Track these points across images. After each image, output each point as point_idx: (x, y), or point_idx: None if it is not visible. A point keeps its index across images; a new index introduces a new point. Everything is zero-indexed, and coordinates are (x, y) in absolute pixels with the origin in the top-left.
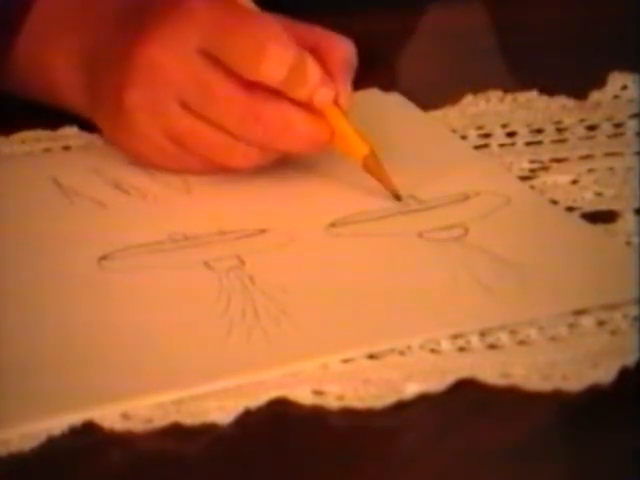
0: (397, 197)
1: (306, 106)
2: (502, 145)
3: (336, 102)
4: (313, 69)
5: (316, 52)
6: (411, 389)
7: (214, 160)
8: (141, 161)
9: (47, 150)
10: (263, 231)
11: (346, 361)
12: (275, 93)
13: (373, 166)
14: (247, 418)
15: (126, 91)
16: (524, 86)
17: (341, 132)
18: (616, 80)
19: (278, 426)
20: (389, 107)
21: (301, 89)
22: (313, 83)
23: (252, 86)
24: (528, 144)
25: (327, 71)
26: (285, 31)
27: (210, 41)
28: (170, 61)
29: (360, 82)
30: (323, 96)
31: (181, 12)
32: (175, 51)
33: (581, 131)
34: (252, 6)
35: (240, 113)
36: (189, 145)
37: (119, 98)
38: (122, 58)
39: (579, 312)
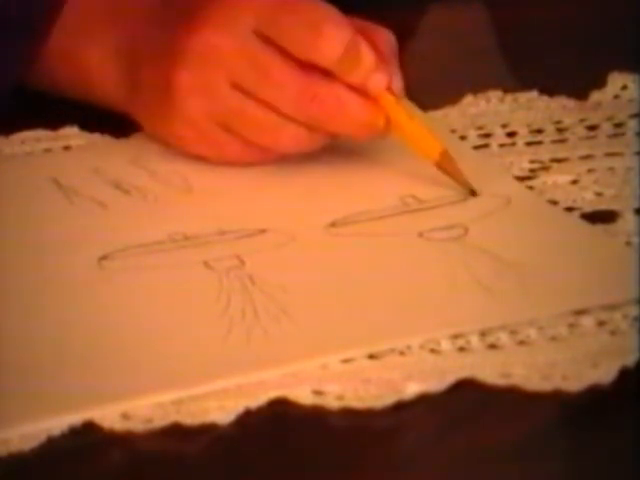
0: (473, 193)
1: (360, 91)
2: (502, 145)
3: (389, 88)
4: (367, 53)
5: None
6: (411, 389)
7: (261, 142)
8: (181, 147)
9: (47, 150)
10: (263, 231)
11: (346, 361)
12: (330, 76)
13: (447, 164)
14: (247, 418)
15: (177, 74)
16: (524, 86)
17: (408, 128)
18: (616, 80)
19: (278, 426)
20: None
21: (355, 72)
22: (368, 66)
23: (309, 68)
24: (528, 144)
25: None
26: (340, 13)
27: (265, 21)
28: (224, 42)
29: None
30: (378, 81)
31: None
32: (229, 32)
33: (581, 131)
34: None
35: (295, 92)
36: (236, 126)
37: (167, 81)
38: (171, 46)
39: (579, 312)
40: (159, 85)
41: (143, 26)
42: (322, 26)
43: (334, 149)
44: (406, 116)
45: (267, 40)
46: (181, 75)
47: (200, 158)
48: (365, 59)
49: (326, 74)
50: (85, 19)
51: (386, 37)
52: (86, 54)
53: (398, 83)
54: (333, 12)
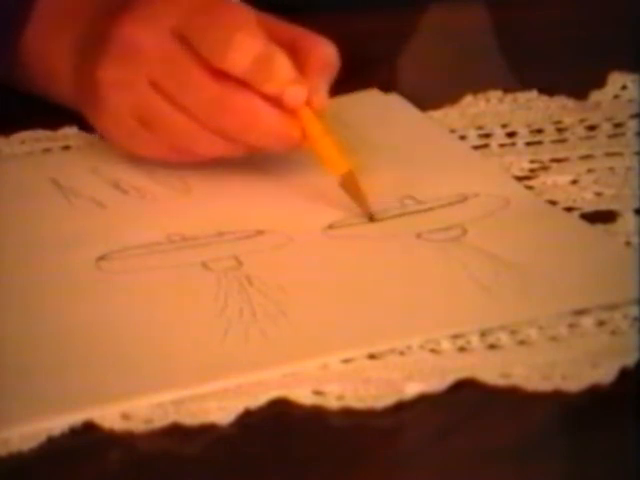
0: (371, 219)
1: (279, 105)
2: (502, 145)
3: (308, 102)
4: (283, 65)
5: (295, 51)
6: (411, 389)
7: (179, 145)
8: (115, 144)
9: (47, 150)
10: (261, 232)
11: (346, 361)
12: (248, 87)
13: (351, 184)
14: (247, 418)
15: (100, 67)
16: (524, 86)
17: (319, 143)
18: (616, 80)
19: (278, 426)
20: (388, 108)
21: (268, 84)
22: (282, 79)
23: (224, 76)
24: (528, 144)
25: (303, 71)
26: (257, 23)
27: (185, 24)
28: (145, 40)
29: (360, 82)
30: (294, 94)
31: None
32: (151, 30)
33: (581, 131)
34: None
35: (208, 100)
36: (156, 127)
37: (94, 77)
38: (100, 39)
39: (579, 312)
40: (88, 79)
41: (91, 20)
42: (233, 35)
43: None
44: (320, 132)
45: (187, 43)
46: (104, 70)
47: (134, 155)
48: (280, 71)
49: (244, 83)
50: (53, 16)
51: (323, 49)
52: (50, 53)
53: (320, 98)
54: (249, 21)
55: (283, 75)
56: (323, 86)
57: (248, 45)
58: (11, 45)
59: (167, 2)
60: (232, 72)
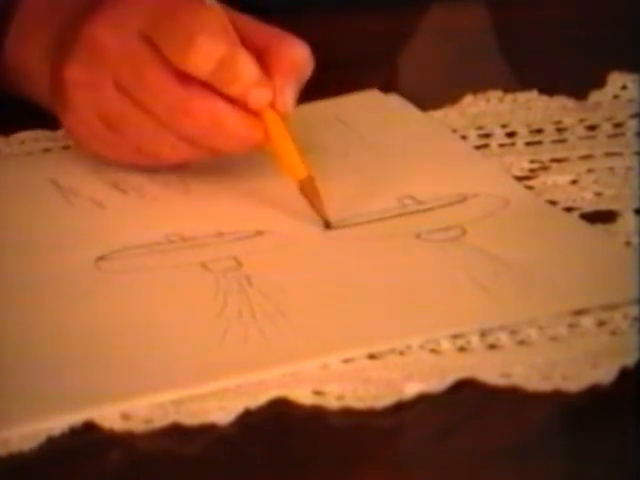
0: (327, 225)
1: (243, 107)
2: (502, 145)
3: (273, 104)
4: (247, 67)
5: (265, 52)
6: (411, 389)
7: (143, 148)
8: (82, 145)
9: (46, 150)
10: (260, 233)
11: (346, 361)
12: (211, 89)
13: (309, 190)
14: (247, 418)
15: (66, 67)
16: (524, 86)
17: (280, 147)
18: (616, 80)
19: (278, 426)
20: (388, 108)
21: (232, 86)
22: (246, 81)
23: (188, 79)
24: (528, 144)
25: (270, 72)
26: (222, 24)
27: (150, 25)
28: (110, 41)
29: (360, 82)
30: (257, 96)
31: None
32: (116, 31)
33: (581, 131)
34: None
35: (170, 104)
36: (120, 129)
37: (61, 74)
38: (69, 39)
39: (579, 312)
40: (56, 79)
41: (66, 21)
42: (196, 37)
43: (331, 150)
44: (281, 135)
45: (152, 44)
46: (70, 70)
47: (98, 157)
48: (243, 73)
49: (208, 87)
50: (26, 18)
51: (295, 51)
52: (29, 54)
53: (285, 100)
54: (212, 21)
55: (247, 77)
56: (289, 88)
57: (210, 47)
58: None
59: (134, 3)
60: (195, 74)
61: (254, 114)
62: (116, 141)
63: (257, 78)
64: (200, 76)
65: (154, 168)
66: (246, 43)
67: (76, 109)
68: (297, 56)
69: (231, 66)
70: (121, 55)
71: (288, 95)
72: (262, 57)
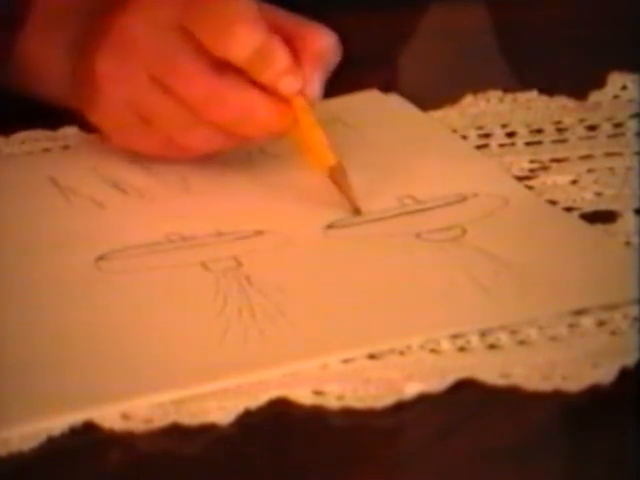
0: (357, 211)
1: (273, 93)
2: (502, 145)
3: (302, 92)
4: (281, 54)
5: (293, 41)
6: (411, 389)
7: (175, 139)
8: (111, 139)
9: (46, 150)
10: (260, 232)
11: (346, 361)
12: (245, 78)
13: (338, 176)
14: (247, 418)
15: (98, 60)
16: (524, 86)
17: (310, 134)
18: (616, 80)
19: (278, 426)
20: (388, 108)
21: (266, 73)
22: (279, 68)
23: (222, 67)
24: (528, 144)
25: (298, 61)
26: (258, 13)
27: (184, 16)
28: (143, 33)
29: (360, 82)
30: (289, 83)
31: None
32: (149, 23)
33: (581, 131)
34: None
35: (204, 93)
36: (153, 120)
37: (92, 70)
38: (99, 33)
39: (579, 312)
40: (86, 73)
41: (88, 17)
42: (234, 25)
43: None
44: (310, 122)
45: (187, 34)
46: (101, 62)
47: (127, 150)
48: (277, 60)
49: (242, 75)
50: (42, 17)
51: (322, 39)
52: (44, 52)
53: (314, 88)
54: (249, 10)
55: (280, 64)
56: (317, 76)
57: (248, 35)
58: (10, 48)
59: None
60: (233, 61)
61: (284, 101)
62: (147, 133)
63: (289, 65)
64: (237, 63)
65: (183, 160)
66: (274, 31)
67: (107, 102)
68: (324, 44)
69: (266, 53)
70: (154, 47)
71: (316, 83)
72: (290, 45)
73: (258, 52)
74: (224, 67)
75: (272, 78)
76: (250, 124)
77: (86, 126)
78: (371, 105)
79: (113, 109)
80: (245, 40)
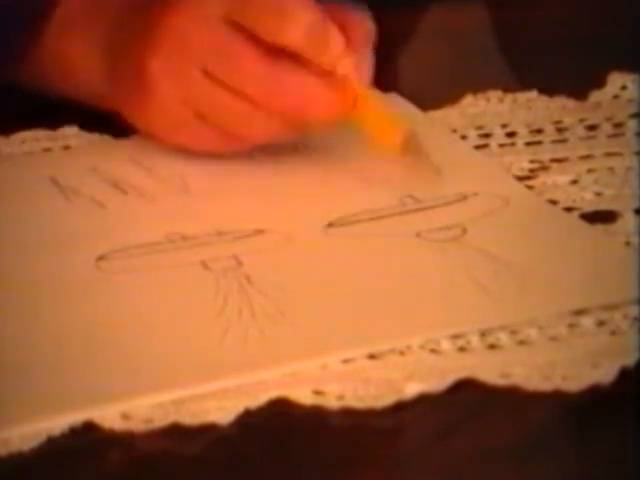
0: (438, 172)
1: (329, 75)
2: (502, 145)
3: (359, 74)
4: (336, 36)
5: (339, 24)
6: (411, 389)
7: (234, 131)
8: (159, 136)
9: (47, 150)
10: (261, 232)
11: (346, 361)
12: (300, 63)
13: (413, 144)
14: (247, 418)
15: (149, 60)
16: (524, 86)
17: (374, 112)
18: (616, 80)
19: (278, 426)
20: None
21: (324, 55)
22: (336, 50)
23: (277, 54)
24: (528, 144)
25: (350, 43)
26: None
27: (233, 7)
28: (194, 29)
29: None
30: (347, 65)
31: None
32: (198, 19)
33: (581, 131)
34: None
35: (262, 81)
36: (209, 114)
37: (142, 68)
38: (145, 30)
39: (579, 312)
40: (134, 72)
41: (124, 14)
42: (287, 8)
43: (332, 148)
44: (373, 102)
45: (237, 26)
46: (153, 61)
47: (178, 148)
48: (333, 43)
49: (296, 59)
50: (69, 15)
51: (361, 21)
52: (72, 51)
53: (367, 69)
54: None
55: (337, 45)
56: (368, 57)
57: (303, 18)
58: (33, 42)
59: None
60: (289, 43)
61: (341, 85)
62: (203, 129)
63: (345, 47)
64: (293, 47)
65: (237, 153)
66: None
67: (162, 101)
68: (366, 26)
69: (322, 34)
70: (205, 41)
71: (366, 65)
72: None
73: (313, 33)
74: (278, 54)
75: (330, 60)
76: (310, 110)
77: (86, 126)
78: None
79: (168, 108)
80: (300, 23)
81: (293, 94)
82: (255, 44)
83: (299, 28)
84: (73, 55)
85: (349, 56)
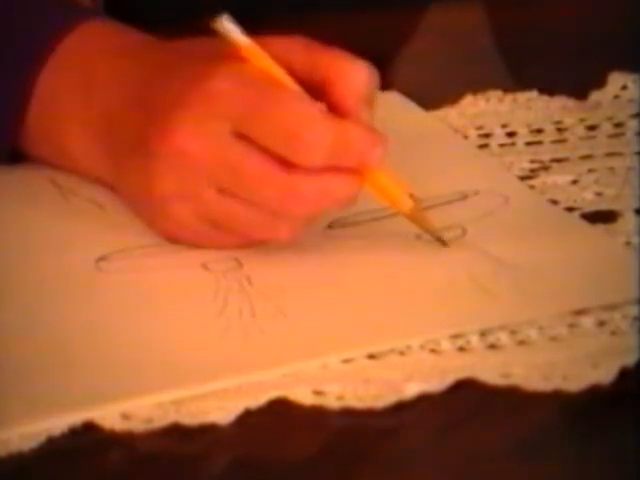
0: (443, 243)
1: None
2: (502, 145)
3: None
4: (358, 138)
5: (330, 84)
6: (411, 389)
7: (256, 238)
8: (175, 242)
9: None
10: None
11: (346, 361)
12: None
13: (418, 217)
14: (247, 418)
15: (156, 181)
16: (524, 86)
17: (382, 184)
18: (616, 80)
19: (278, 426)
20: (388, 105)
21: (349, 161)
22: (361, 153)
23: (290, 163)
24: (528, 144)
25: (343, 103)
26: (322, 109)
27: (242, 124)
28: (199, 148)
29: None
30: (376, 159)
31: (206, 95)
32: (204, 138)
33: (581, 131)
34: (287, 80)
35: (279, 192)
36: (228, 227)
37: (149, 187)
38: (147, 143)
39: (579, 312)
40: (142, 186)
41: (119, 105)
42: (301, 134)
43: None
44: (383, 177)
45: (246, 139)
46: (162, 183)
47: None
48: (356, 147)
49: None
50: (57, 95)
51: (360, 76)
52: (66, 128)
53: (370, 120)
54: (313, 113)
55: (361, 148)
56: (366, 116)
57: (319, 141)
58: (11, 132)
59: (216, 104)
60: (309, 167)
61: (353, 169)
62: (224, 236)
63: (370, 142)
64: (314, 167)
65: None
66: (312, 77)
67: (177, 219)
68: (365, 81)
69: (343, 146)
70: (215, 159)
71: (370, 121)
72: (329, 89)
73: (333, 150)
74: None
75: (357, 163)
76: (330, 205)
77: None
78: None
79: (185, 224)
80: (316, 147)
81: (311, 199)
82: (267, 156)
83: (317, 154)
84: (65, 132)
85: (374, 147)
